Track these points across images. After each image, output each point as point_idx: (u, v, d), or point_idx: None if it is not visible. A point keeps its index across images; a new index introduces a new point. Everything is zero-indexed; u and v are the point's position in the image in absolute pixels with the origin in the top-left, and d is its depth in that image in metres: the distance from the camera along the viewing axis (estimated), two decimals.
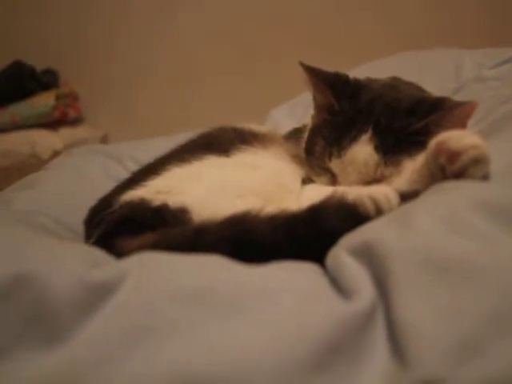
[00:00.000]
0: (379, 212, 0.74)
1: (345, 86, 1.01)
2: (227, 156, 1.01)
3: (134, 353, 0.52)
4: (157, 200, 0.91)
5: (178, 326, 0.55)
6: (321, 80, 1.01)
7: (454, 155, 0.71)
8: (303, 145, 1.08)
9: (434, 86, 1.37)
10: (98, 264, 0.63)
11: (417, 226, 0.61)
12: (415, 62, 1.73)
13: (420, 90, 1.07)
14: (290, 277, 0.62)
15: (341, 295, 0.58)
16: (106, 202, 0.99)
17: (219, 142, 1.06)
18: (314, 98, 1.07)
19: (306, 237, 0.75)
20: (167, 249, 0.77)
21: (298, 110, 1.80)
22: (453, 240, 0.57)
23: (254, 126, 1.18)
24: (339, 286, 0.60)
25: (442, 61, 1.65)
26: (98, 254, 0.72)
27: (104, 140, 2.91)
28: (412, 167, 0.87)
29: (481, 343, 0.49)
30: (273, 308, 0.56)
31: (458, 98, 1.27)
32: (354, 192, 0.78)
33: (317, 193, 0.95)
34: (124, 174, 1.47)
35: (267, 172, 0.98)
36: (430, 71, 1.55)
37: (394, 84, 1.04)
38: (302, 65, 1.02)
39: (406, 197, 0.79)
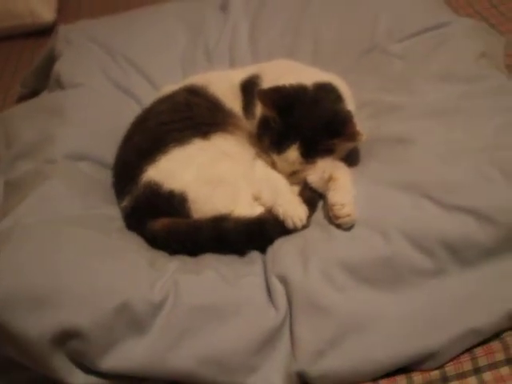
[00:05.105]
0: (295, 227, 1.38)
1: (286, 104, 1.49)
2: (208, 139, 1.55)
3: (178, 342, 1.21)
4: (166, 184, 1.48)
5: (198, 326, 1.22)
6: (271, 104, 1.49)
7: (336, 217, 1.33)
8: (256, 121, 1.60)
9: (353, 40, 1.81)
10: (154, 283, 1.25)
11: (309, 273, 1.25)
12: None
13: (336, 100, 1.56)
14: (252, 294, 1.27)
15: (274, 308, 1.24)
16: (128, 171, 1.55)
17: (199, 121, 1.58)
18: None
19: (257, 239, 1.41)
20: (178, 233, 1.43)
21: None
22: (324, 289, 1.23)
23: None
24: (274, 301, 1.25)
25: (361, 14, 2.02)
26: (153, 274, 1.31)
27: None
28: (322, 170, 1.46)
29: (330, 344, 1.20)
30: (239, 317, 1.23)
31: (362, 66, 1.77)
32: (284, 208, 1.40)
33: (264, 174, 1.56)
34: (120, 75, 1.94)
35: (235, 162, 1.54)
36: (351, 24, 1.96)
37: (318, 98, 1.52)
38: (260, 94, 1.51)
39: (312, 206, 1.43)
